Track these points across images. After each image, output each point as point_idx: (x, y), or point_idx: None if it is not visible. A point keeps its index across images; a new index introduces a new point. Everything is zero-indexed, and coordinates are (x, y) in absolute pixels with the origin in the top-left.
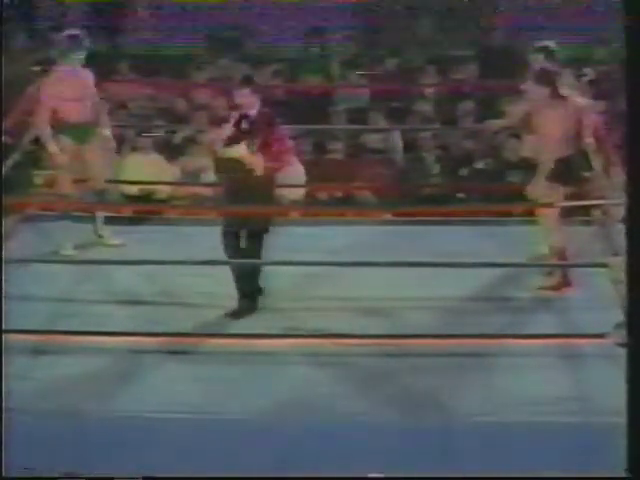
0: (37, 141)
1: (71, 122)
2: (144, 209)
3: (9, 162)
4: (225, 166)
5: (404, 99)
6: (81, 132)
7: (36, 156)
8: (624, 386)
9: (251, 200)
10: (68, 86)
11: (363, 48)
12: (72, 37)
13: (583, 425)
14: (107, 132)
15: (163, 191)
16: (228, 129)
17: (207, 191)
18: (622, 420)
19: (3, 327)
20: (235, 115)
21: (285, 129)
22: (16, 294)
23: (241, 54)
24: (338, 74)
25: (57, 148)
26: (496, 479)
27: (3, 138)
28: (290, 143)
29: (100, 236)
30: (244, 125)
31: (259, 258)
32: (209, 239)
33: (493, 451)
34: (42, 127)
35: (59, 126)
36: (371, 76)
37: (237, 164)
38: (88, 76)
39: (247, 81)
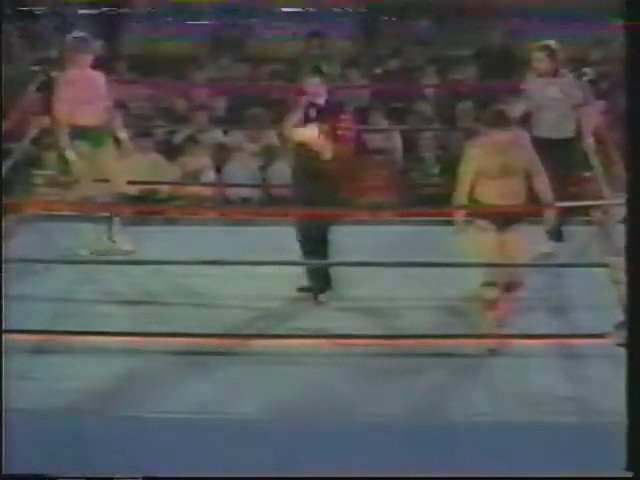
0: (37, 141)
1: (86, 126)
2: (148, 210)
3: (9, 162)
4: (296, 150)
5: (404, 99)
6: (96, 136)
7: (36, 156)
8: (624, 386)
9: (319, 189)
10: (80, 90)
11: (364, 48)
12: (79, 39)
13: (583, 425)
14: (123, 135)
15: (163, 191)
16: (296, 116)
17: (207, 191)
18: (622, 420)
19: (3, 327)
20: (304, 103)
21: (353, 122)
22: (26, 295)
23: (241, 54)
24: (338, 74)
25: (74, 154)
26: (496, 479)
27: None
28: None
29: (113, 241)
30: (312, 113)
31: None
32: (213, 239)
33: (493, 451)
34: (60, 133)
35: (74, 131)
36: (371, 76)
37: (304, 148)
38: (99, 78)
39: (317, 71)
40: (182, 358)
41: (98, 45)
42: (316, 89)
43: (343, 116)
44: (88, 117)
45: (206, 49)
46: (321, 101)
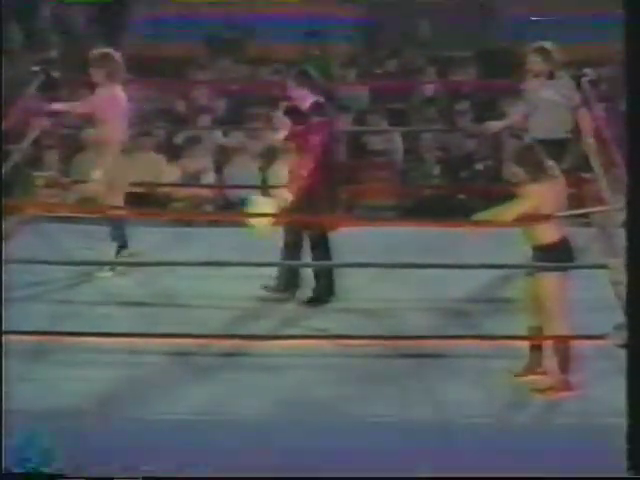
0: (37, 142)
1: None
2: (149, 212)
3: (9, 163)
4: None
5: (404, 100)
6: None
7: (36, 157)
8: (624, 386)
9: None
10: (113, 106)
11: (363, 49)
12: (101, 55)
13: (584, 425)
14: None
15: (162, 192)
16: (281, 123)
17: (207, 192)
18: (622, 420)
19: (3, 328)
20: (288, 107)
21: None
22: (26, 295)
23: (241, 54)
24: (338, 74)
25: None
26: (496, 479)
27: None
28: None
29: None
30: (294, 117)
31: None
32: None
33: (493, 451)
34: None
35: None
36: (370, 77)
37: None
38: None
39: (301, 75)
40: (182, 359)
41: (120, 58)
42: (298, 93)
43: (318, 120)
44: (116, 136)
45: (206, 50)
46: (304, 105)
